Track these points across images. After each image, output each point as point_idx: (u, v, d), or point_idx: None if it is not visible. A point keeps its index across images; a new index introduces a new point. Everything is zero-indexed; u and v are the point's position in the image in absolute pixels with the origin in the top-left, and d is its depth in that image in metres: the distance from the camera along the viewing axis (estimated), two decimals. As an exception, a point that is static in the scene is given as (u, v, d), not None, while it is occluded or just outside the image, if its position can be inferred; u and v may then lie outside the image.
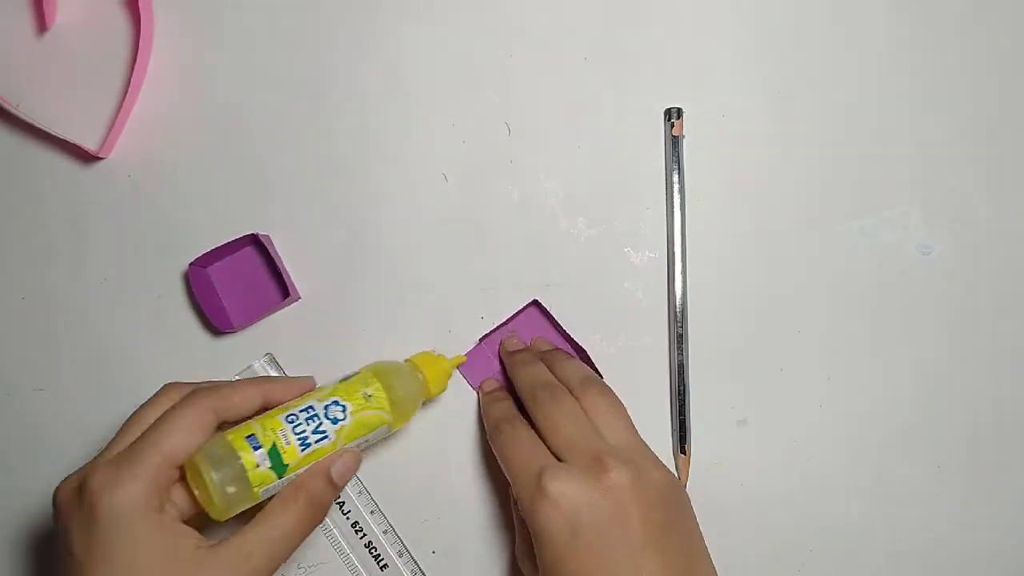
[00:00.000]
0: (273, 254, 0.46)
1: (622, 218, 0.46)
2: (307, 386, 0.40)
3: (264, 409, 0.38)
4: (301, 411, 0.38)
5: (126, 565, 0.33)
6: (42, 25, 0.49)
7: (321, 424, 0.38)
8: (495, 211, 0.47)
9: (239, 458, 0.35)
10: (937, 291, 0.46)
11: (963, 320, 0.45)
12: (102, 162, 0.48)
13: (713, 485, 0.45)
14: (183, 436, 0.35)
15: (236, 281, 0.48)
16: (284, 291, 0.46)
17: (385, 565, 0.46)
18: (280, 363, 0.47)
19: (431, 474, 0.47)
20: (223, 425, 0.37)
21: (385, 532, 0.46)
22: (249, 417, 0.38)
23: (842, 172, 0.46)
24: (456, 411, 0.47)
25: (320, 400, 0.38)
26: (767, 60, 0.46)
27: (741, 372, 0.46)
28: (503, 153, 0.47)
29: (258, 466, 0.36)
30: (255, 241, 0.47)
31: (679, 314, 0.45)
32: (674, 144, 0.46)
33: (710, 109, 0.46)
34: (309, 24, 0.48)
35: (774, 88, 0.46)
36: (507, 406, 0.43)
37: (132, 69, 0.47)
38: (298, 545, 0.37)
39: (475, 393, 0.47)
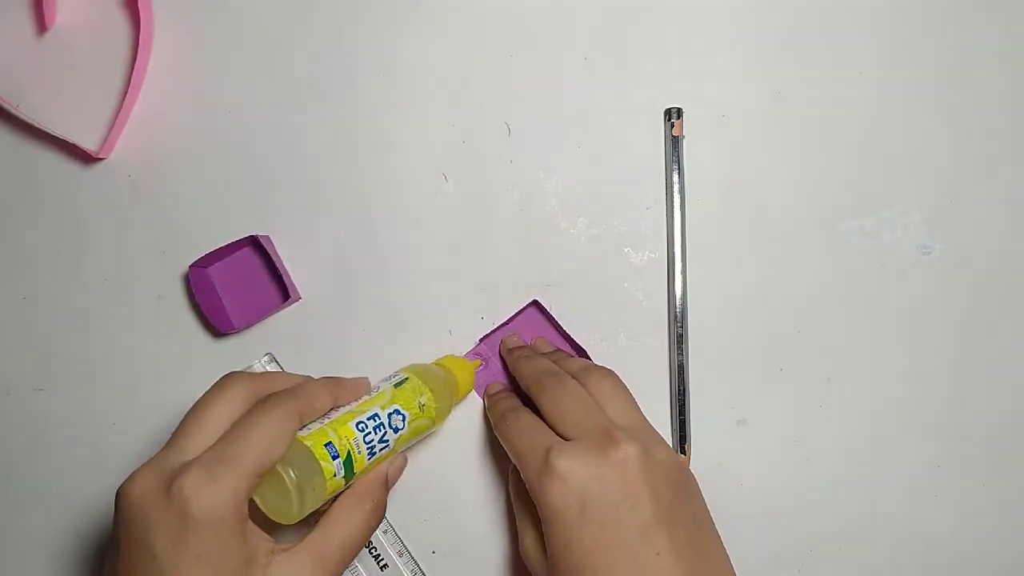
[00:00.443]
0: (273, 255, 0.46)
1: (622, 218, 0.46)
2: (366, 387, 0.41)
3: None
4: (369, 419, 0.38)
5: (215, 568, 0.32)
6: (42, 25, 0.49)
7: (386, 434, 0.38)
8: (495, 211, 0.47)
9: (321, 468, 0.35)
10: (937, 291, 0.46)
11: (963, 320, 0.45)
12: (102, 162, 0.48)
13: (713, 485, 0.45)
14: (272, 443, 0.34)
15: (236, 282, 0.48)
16: (284, 292, 0.46)
17: (385, 565, 0.46)
18: (280, 363, 0.47)
19: (431, 474, 0.47)
20: None
21: (385, 532, 0.46)
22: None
23: (842, 172, 0.46)
24: (456, 410, 0.47)
25: (383, 408, 0.39)
26: (767, 60, 0.46)
27: (741, 372, 0.46)
28: (503, 153, 0.47)
29: (335, 475, 0.36)
30: (255, 242, 0.47)
31: (679, 314, 0.45)
32: (674, 144, 0.46)
33: (710, 109, 0.46)
34: (308, 24, 0.48)
35: (774, 88, 0.46)
36: (512, 400, 0.43)
37: (132, 69, 0.47)
38: (361, 548, 0.37)
39: (475, 392, 0.47)
